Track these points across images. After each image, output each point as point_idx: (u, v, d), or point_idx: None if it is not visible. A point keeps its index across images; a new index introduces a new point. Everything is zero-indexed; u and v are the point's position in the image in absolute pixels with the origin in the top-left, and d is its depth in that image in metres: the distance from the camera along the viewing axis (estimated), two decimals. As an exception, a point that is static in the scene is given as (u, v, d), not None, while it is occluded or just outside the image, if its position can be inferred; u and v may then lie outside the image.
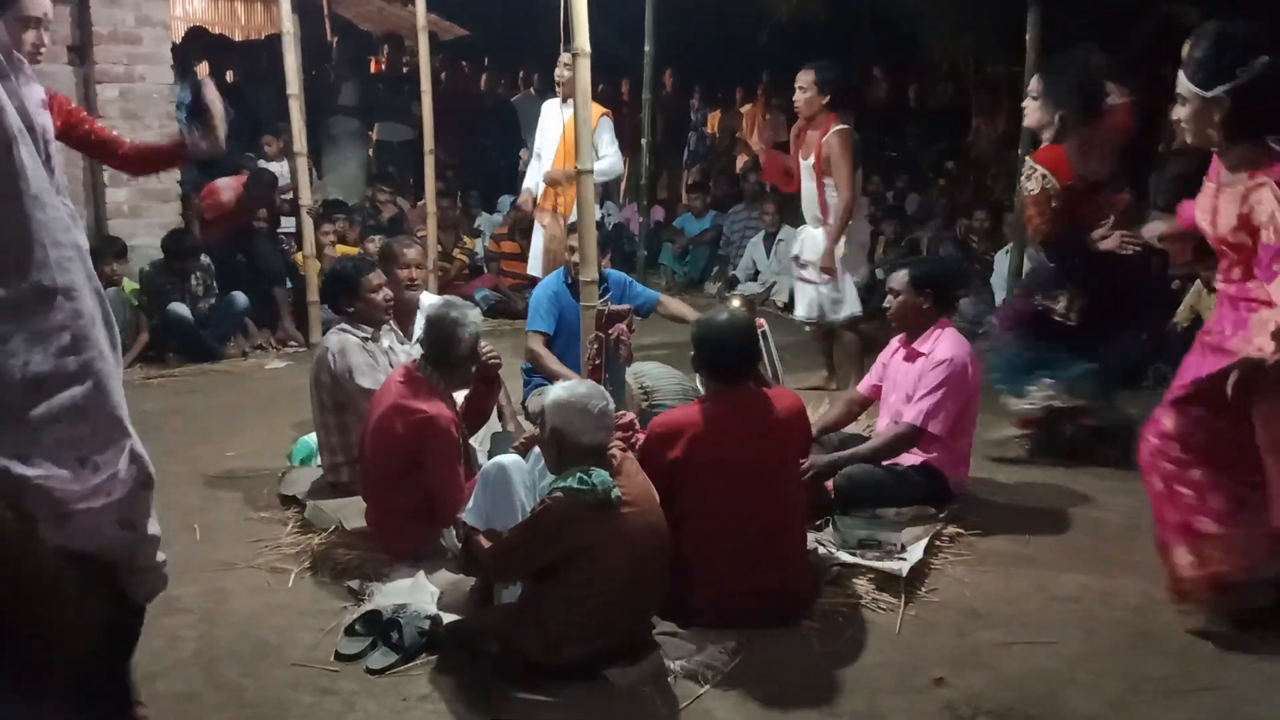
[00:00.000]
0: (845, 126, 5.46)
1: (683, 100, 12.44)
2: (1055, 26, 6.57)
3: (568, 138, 5.65)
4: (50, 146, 2.73)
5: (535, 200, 6.29)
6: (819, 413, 5.01)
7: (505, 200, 9.27)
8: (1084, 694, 2.86)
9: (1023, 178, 4.68)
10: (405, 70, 10.92)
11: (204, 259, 6.95)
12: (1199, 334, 3.34)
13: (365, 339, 4.18)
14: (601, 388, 3.13)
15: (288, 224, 7.89)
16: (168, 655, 3.05)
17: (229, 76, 9.43)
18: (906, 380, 4.07)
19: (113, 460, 2.65)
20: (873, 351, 5.81)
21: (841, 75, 5.78)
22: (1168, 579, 3.24)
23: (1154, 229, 3.78)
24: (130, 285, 6.80)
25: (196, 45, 9.49)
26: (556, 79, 6.03)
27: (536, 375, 4.96)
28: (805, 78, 5.54)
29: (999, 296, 7.08)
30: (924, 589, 3.46)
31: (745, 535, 3.16)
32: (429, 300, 4.61)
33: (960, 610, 3.34)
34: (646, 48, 7.41)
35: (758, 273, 9.01)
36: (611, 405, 3.05)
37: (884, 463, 3.99)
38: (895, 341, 4.28)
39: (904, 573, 3.42)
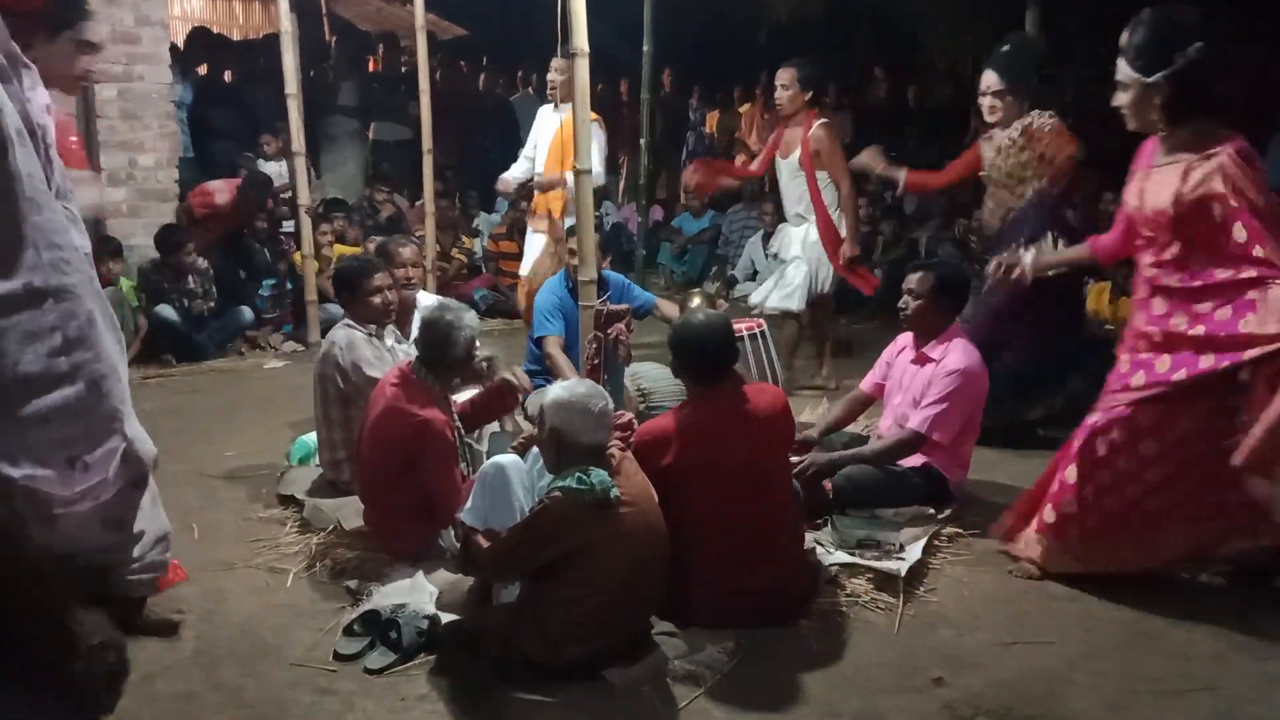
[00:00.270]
0: (828, 120, 5.57)
1: (681, 100, 12.43)
2: (1055, 26, 6.58)
3: (559, 142, 5.69)
4: (51, 150, 2.72)
5: (517, 190, 6.46)
6: (819, 413, 5.02)
7: (503, 200, 9.27)
8: (1083, 694, 2.86)
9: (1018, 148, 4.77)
10: (403, 70, 10.92)
11: (201, 263, 6.94)
12: (1128, 334, 3.35)
13: (369, 335, 4.21)
14: (601, 388, 3.13)
15: (287, 224, 7.90)
16: (167, 655, 3.04)
17: (227, 76, 9.41)
18: (914, 385, 4.05)
19: (104, 462, 2.64)
20: (836, 355, 6.09)
21: (824, 73, 5.84)
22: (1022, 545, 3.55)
23: (1044, 261, 3.75)
24: (129, 284, 6.81)
25: (198, 47, 9.48)
26: (550, 84, 6.05)
27: (536, 376, 4.95)
28: (787, 75, 5.60)
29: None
30: (922, 589, 3.46)
31: (736, 535, 3.15)
32: (426, 300, 4.61)
33: (959, 610, 3.34)
34: (645, 47, 7.40)
35: (756, 272, 9.02)
36: (611, 405, 3.05)
37: (883, 464, 3.98)
38: (901, 340, 4.26)
39: (902, 573, 3.42)
